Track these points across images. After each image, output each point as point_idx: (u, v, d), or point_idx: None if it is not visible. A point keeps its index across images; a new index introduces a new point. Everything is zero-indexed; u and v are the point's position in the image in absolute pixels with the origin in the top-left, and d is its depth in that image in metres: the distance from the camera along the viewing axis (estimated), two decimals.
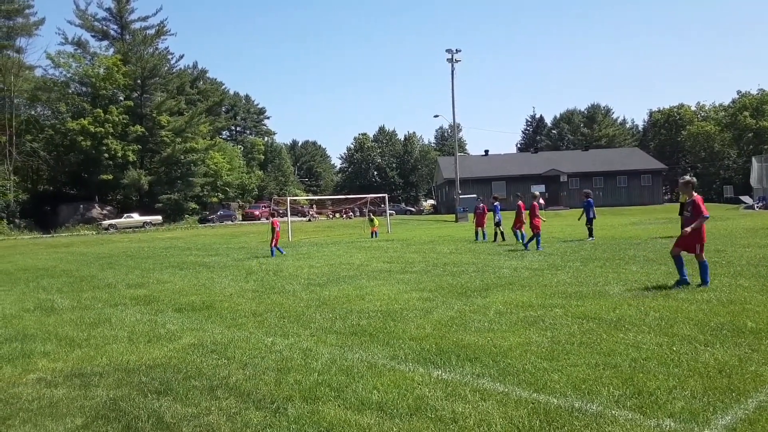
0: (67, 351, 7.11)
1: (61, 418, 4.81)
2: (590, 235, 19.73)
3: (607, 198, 61.68)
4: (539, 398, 4.72)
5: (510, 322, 7.45)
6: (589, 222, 19.83)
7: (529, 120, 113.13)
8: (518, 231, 19.26)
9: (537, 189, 42.06)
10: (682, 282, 9.42)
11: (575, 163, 68.02)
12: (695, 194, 9.61)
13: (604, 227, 25.97)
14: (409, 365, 5.81)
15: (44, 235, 49.98)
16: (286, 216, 34.04)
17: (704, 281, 9.40)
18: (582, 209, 20.69)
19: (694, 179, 10.24)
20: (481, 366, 5.64)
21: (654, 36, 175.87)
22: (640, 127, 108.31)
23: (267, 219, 21.40)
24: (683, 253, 9.52)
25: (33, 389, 5.63)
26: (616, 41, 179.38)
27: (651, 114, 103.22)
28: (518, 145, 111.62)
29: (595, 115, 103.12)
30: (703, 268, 9.47)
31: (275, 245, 19.27)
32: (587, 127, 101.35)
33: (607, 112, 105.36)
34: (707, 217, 9.30)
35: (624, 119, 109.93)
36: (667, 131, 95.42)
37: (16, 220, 53.63)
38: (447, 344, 6.51)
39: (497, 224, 21.75)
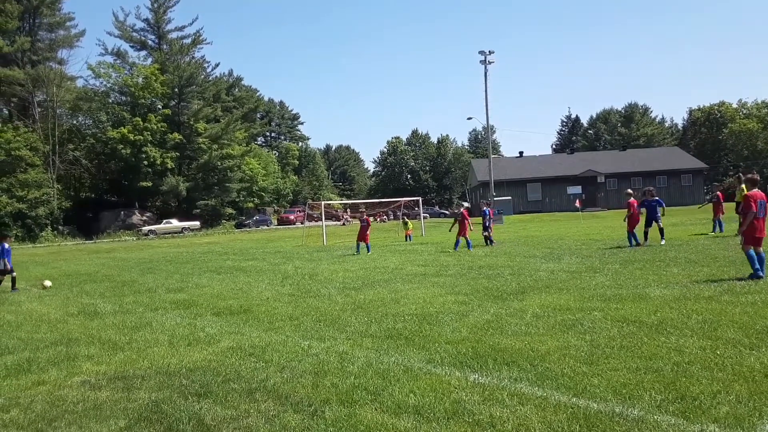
0: (110, 354, 7.29)
1: (105, 420, 4.93)
2: (662, 236, 17.68)
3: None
4: (579, 403, 4.65)
5: (547, 326, 7.36)
6: (657, 221, 17.75)
7: (565, 120, 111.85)
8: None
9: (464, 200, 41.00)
10: (754, 276, 9.70)
11: (613, 163, 66.83)
12: (752, 191, 9.98)
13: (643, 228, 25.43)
14: (445, 369, 5.78)
15: (87, 241, 51.35)
16: (321, 220, 34.26)
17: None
18: (641, 210, 18.25)
19: (757, 176, 10.67)
20: (519, 370, 5.59)
21: (692, 33, 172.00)
22: (680, 126, 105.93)
23: (359, 220, 22.51)
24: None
25: (78, 392, 5.78)
26: (653, 39, 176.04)
27: (691, 112, 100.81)
28: (554, 146, 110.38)
29: (633, 115, 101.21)
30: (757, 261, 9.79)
31: (364, 242, 20.89)
32: (625, 127, 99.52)
33: (645, 110, 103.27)
34: (753, 213, 9.70)
35: (663, 118, 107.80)
36: (707, 129, 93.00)
37: (60, 227, 55.25)
38: (483, 348, 6.46)
39: (485, 228, 21.44)
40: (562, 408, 4.56)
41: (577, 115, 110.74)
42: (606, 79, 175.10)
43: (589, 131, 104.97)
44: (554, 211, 59.77)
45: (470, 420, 4.45)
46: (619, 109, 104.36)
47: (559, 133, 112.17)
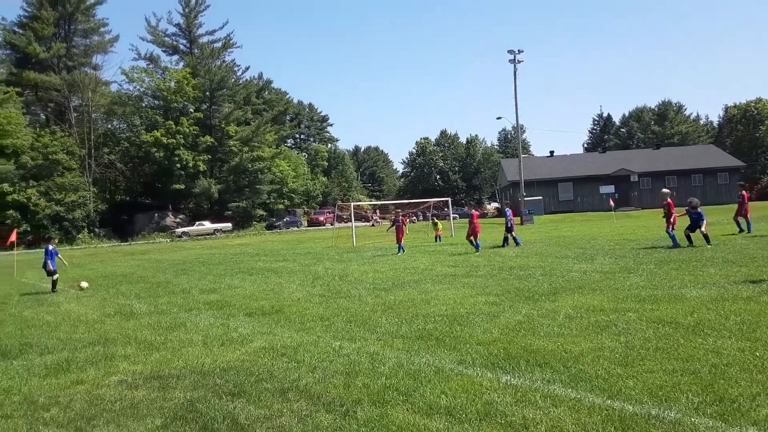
0: (146, 354, 7.43)
1: (142, 419, 5.03)
2: (707, 241, 16.62)
3: (682, 198, 59.12)
4: (614, 405, 4.59)
5: (581, 327, 7.27)
6: (700, 228, 16.85)
7: (596, 119, 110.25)
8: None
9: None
10: None
11: (646, 162, 65.57)
12: None
13: (679, 228, 24.92)
14: (476, 370, 5.76)
15: (122, 243, 52.47)
16: (350, 221, 34.39)
17: None
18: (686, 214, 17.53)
19: None
20: (552, 371, 5.54)
21: (728, 28, 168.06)
22: (715, 124, 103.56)
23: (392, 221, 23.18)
24: None
25: (115, 391, 5.91)
26: (686, 35, 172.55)
27: (726, 109, 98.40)
28: (585, 145, 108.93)
29: (667, 112, 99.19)
30: None
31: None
32: (658, 125, 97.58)
33: (679, 108, 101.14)
34: None
35: (697, 115, 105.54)
36: (744, 127, 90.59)
37: (96, 230, 56.51)
38: (515, 349, 6.42)
39: (508, 230, 21.35)
40: (596, 410, 4.51)
41: (609, 114, 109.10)
42: (638, 77, 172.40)
43: (622, 130, 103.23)
44: (586, 210, 58.96)
45: (502, 421, 4.43)
46: (653, 106, 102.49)
47: (590, 132, 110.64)
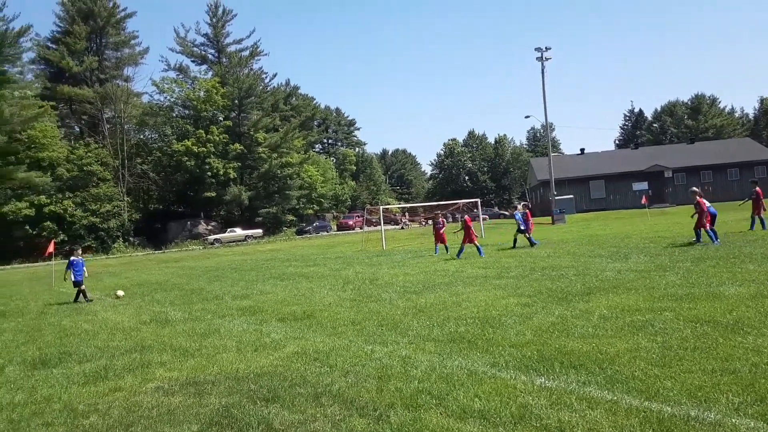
0: (181, 361, 7.54)
1: (179, 425, 5.10)
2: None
3: (718, 193, 57.82)
4: (651, 406, 4.50)
5: (616, 327, 7.15)
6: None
7: (627, 115, 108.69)
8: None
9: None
10: None
11: (680, 157, 64.28)
12: None
13: (717, 223, 24.38)
14: (510, 373, 5.71)
15: (156, 251, 53.39)
16: (380, 224, 34.41)
17: None
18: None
19: None
20: (587, 373, 5.46)
21: (761, 18, 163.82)
22: (751, 116, 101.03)
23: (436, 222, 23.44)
24: None
25: (152, 397, 6.00)
26: (718, 26, 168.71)
27: (762, 101, 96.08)
28: (617, 142, 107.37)
29: (700, 106, 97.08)
30: None
31: (442, 242, 21.71)
32: (692, 119, 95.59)
33: (713, 101, 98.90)
34: None
35: (732, 108, 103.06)
36: None
37: (131, 238, 57.65)
38: (549, 351, 6.34)
39: (522, 231, 21.00)
40: (633, 412, 4.43)
41: (640, 109, 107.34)
42: (669, 71, 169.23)
43: (654, 125, 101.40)
44: (619, 208, 58.03)
45: (538, 425, 4.38)
46: (686, 100, 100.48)
47: (621, 128, 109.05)
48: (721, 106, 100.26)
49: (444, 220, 23.01)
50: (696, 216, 16.83)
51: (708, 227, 16.55)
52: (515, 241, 21.32)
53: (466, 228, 19.65)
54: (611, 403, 4.64)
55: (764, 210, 19.43)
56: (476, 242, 19.56)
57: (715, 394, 4.62)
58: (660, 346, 6.12)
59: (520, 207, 22.28)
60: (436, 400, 5.11)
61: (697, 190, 17.61)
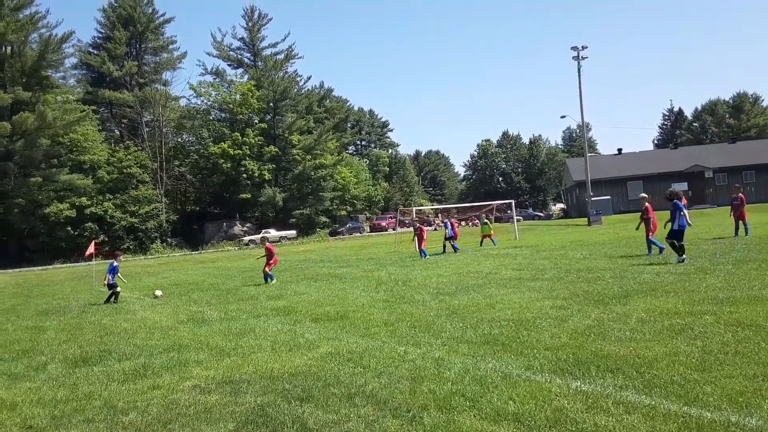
0: (217, 360, 7.66)
1: (215, 423, 5.18)
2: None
3: (761, 194, 56.18)
4: (690, 412, 4.40)
5: (654, 331, 7.01)
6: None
7: (667, 114, 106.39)
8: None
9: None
10: None
11: (721, 157, 62.55)
12: None
13: (759, 225, 23.69)
14: (545, 376, 5.64)
15: (193, 252, 54.28)
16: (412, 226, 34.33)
17: None
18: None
19: None
20: (624, 377, 5.36)
21: None
22: None
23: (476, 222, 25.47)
24: None
25: (189, 395, 6.11)
26: (759, 23, 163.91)
27: None
28: (655, 142, 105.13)
29: (742, 104, 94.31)
30: None
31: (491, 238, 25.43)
32: (734, 118, 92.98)
33: (756, 99, 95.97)
34: None
35: None
36: None
37: (168, 239, 58.76)
38: (585, 354, 6.25)
39: (448, 239, 24.74)
40: (672, 417, 4.34)
41: (680, 108, 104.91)
42: (710, 69, 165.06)
43: (694, 124, 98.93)
44: (658, 209, 56.66)
45: (573, 429, 4.32)
46: (727, 99, 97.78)
47: (660, 128, 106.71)
48: (764, 104, 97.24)
49: (423, 227, 25.04)
50: (642, 225, 16.76)
51: (649, 236, 16.31)
52: (444, 247, 24.42)
53: (419, 234, 23.06)
54: (649, 408, 4.56)
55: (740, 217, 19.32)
56: (423, 247, 22.57)
57: (756, 400, 4.50)
58: (700, 351, 5.98)
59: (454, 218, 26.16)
60: (470, 402, 5.08)
61: (646, 196, 17.52)
